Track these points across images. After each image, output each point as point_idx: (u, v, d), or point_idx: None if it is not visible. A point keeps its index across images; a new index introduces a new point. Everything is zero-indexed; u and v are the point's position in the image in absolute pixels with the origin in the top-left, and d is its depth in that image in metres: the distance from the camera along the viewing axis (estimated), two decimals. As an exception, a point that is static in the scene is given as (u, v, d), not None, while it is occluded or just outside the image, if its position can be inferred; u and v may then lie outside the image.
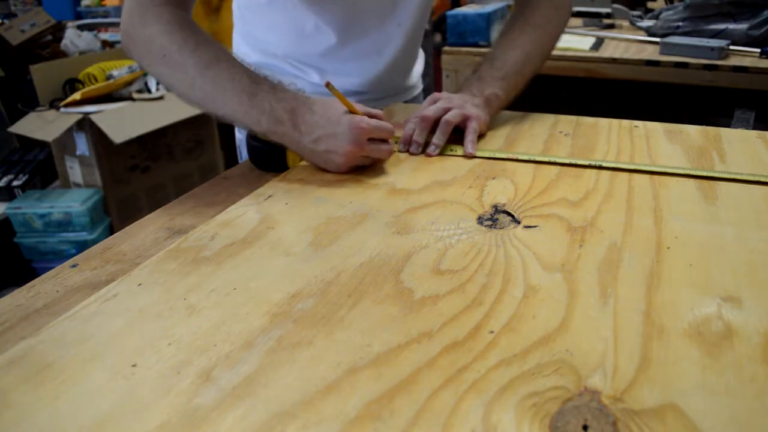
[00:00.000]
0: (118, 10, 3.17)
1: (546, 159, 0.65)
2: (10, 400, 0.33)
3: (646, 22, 1.53)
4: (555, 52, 1.34)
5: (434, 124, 0.70)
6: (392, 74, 0.92)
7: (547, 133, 0.75)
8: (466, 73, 1.42)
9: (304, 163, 0.67)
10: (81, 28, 2.82)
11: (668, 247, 0.47)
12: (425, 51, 1.04)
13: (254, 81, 0.63)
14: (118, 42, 2.82)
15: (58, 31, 2.56)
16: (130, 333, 0.38)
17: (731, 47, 1.29)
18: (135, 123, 1.84)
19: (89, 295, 0.42)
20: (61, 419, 0.31)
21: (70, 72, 1.99)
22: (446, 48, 1.46)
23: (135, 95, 1.94)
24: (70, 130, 1.81)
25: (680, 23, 1.39)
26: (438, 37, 2.51)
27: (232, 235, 0.50)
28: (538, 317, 0.38)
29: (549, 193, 0.57)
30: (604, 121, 0.79)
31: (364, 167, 0.65)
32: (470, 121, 0.70)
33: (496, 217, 0.53)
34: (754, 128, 0.86)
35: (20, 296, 0.44)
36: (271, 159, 0.66)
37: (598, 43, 1.42)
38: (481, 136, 0.72)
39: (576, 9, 1.72)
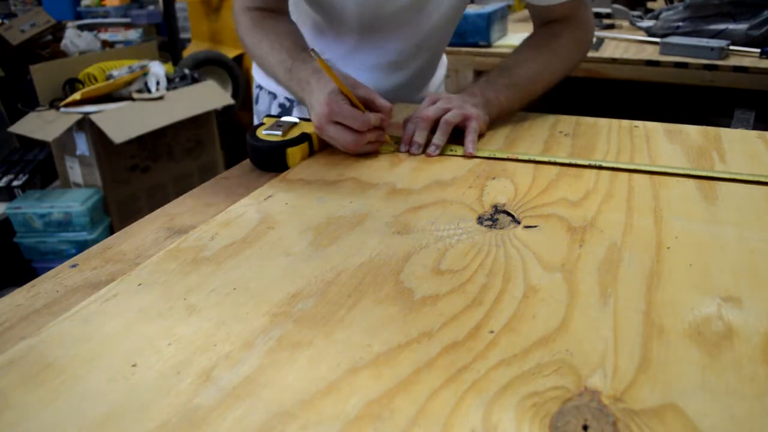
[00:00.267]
0: (118, 10, 3.17)
1: (546, 159, 0.65)
2: (10, 400, 0.33)
3: (646, 22, 1.53)
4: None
5: (434, 124, 0.70)
6: (409, 88, 0.92)
7: (547, 133, 0.75)
8: (466, 73, 1.43)
9: (304, 162, 0.67)
10: (81, 28, 2.83)
11: (668, 247, 0.47)
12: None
13: (290, 56, 0.73)
14: (118, 42, 2.83)
15: (58, 31, 2.57)
16: (130, 333, 0.38)
17: (731, 47, 1.29)
18: (135, 123, 1.84)
19: (89, 295, 0.42)
20: (61, 419, 0.31)
21: (70, 72, 1.99)
22: (446, 48, 1.46)
23: (135, 95, 1.94)
24: (70, 130, 1.81)
25: (680, 23, 1.39)
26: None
27: (232, 235, 0.50)
28: (538, 317, 0.38)
29: (549, 193, 0.57)
30: (604, 121, 0.79)
31: (365, 167, 0.65)
32: (470, 121, 0.70)
33: (496, 217, 0.53)
34: (754, 128, 0.86)
35: (20, 296, 0.44)
36: (271, 159, 0.66)
37: (598, 43, 1.42)
38: (480, 136, 0.72)
39: (576, 9, 1.72)
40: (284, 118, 0.72)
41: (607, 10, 1.75)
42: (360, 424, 0.30)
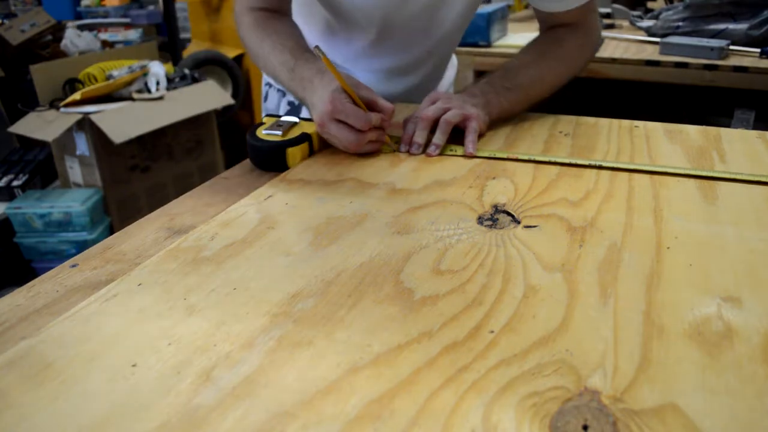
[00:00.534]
0: (118, 10, 3.17)
1: (546, 159, 0.65)
2: (10, 400, 0.33)
3: (646, 22, 1.53)
4: (555, 52, 1.34)
5: (434, 124, 0.70)
6: (417, 92, 0.93)
7: (547, 133, 0.75)
8: (466, 74, 1.43)
9: (304, 162, 0.67)
10: (81, 28, 2.83)
11: (668, 247, 0.47)
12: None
13: (293, 56, 0.74)
14: (118, 42, 2.83)
15: (58, 31, 2.57)
16: (130, 333, 0.38)
17: (731, 47, 1.29)
18: (135, 123, 1.84)
19: (89, 295, 0.42)
20: (61, 419, 0.31)
21: (70, 72, 1.99)
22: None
23: (135, 95, 1.94)
24: (70, 130, 1.81)
25: (680, 23, 1.39)
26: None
27: (232, 235, 0.50)
28: (538, 317, 0.38)
29: (549, 193, 0.57)
30: (604, 121, 0.79)
31: (365, 167, 0.65)
32: (470, 121, 0.70)
33: (496, 217, 0.53)
34: (754, 128, 0.86)
35: (20, 296, 0.44)
36: (271, 159, 0.66)
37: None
38: (480, 136, 0.72)
39: (576, 9, 1.72)
40: (284, 118, 0.72)
41: (607, 10, 1.75)
42: (360, 424, 0.30)
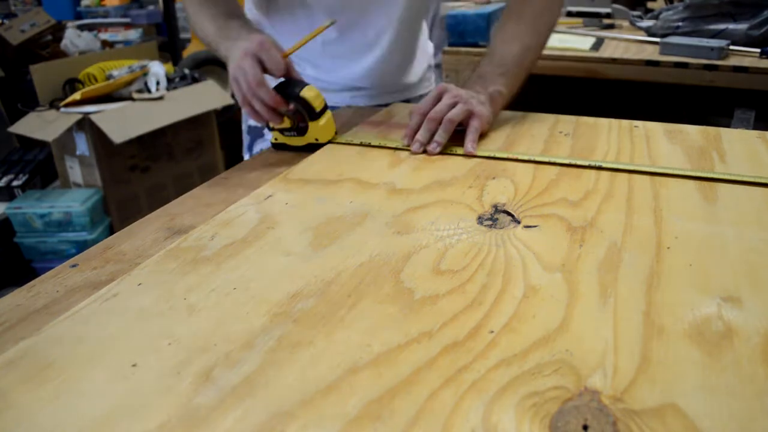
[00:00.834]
0: (118, 10, 3.17)
1: (546, 159, 0.65)
2: (10, 400, 0.33)
3: (646, 22, 1.53)
4: (555, 52, 1.34)
5: (439, 123, 0.70)
6: (386, 69, 0.92)
7: (547, 133, 0.75)
8: (466, 74, 1.43)
9: (304, 161, 0.67)
10: (81, 28, 2.83)
11: (668, 247, 0.47)
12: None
13: (226, 21, 0.76)
14: (118, 42, 2.83)
15: (58, 31, 2.57)
16: (130, 333, 0.38)
17: (731, 47, 1.29)
18: (135, 123, 1.84)
19: (89, 295, 0.42)
20: (61, 419, 0.31)
21: (70, 72, 1.99)
22: (446, 48, 1.46)
23: (135, 95, 1.94)
24: (70, 130, 1.81)
25: (680, 23, 1.39)
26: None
27: (232, 235, 0.50)
28: (538, 317, 0.38)
29: (549, 193, 0.57)
30: (604, 121, 0.79)
31: (365, 167, 0.65)
32: (473, 120, 0.70)
33: (496, 217, 0.53)
34: (754, 128, 0.86)
35: (20, 296, 0.44)
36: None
37: (598, 43, 1.42)
38: (482, 136, 0.72)
39: (576, 9, 1.72)
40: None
41: (607, 10, 1.74)
42: (360, 424, 0.30)
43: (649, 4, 1.92)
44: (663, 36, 1.37)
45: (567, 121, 0.80)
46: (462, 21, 1.44)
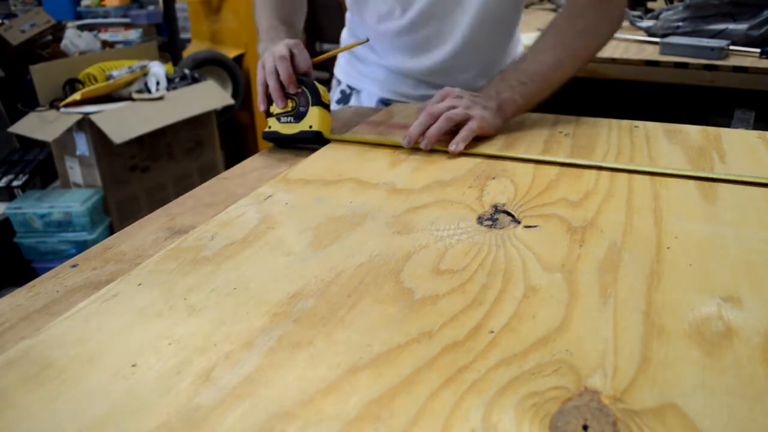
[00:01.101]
0: (118, 10, 3.17)
1: (546, 159, 0.65)
2: (10, 400, 0.33)
3: (646, 22, 1.53)
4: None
5: (436, 120, 0.70)
6: (456, 65, 0.92)
7: (547, 133, 0.75)
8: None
9: (304, 161, 0.67)
10: (81, 28, 2.83)
11: (668, 247, 0.47)
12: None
13: (278, 24, 0.84)
14: (118, 42, 2.83)
15: (58, 31, 2.57)
16: (130, 333, 0.38)
17: (731, 47, 1.29)
18: (135, 123, 1.84)
19: (89, 295, 0.42)
20: (61, 419, 0.31)
21: (70, 72, 1.99)
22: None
23: (135, 95, 1.94)
24: (70, 130, 1.81)
25: (680, 23, 1.39)
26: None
27: (232, 235, 0.50)
28: (538, 317, 0.38)
29: (549, 193, 0.57)
30: (604, 121, 0.79)
31: (365, 167, 0.65)
32: (471, 121, 0.70)
33: (496, 217, 0.53)
34: (754, 128, 0.86)
35: (20, 296, 0.44)
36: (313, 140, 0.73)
37: (598, 43, 1.42)
38: (483, 138, 0.72)
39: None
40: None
41: (607, 10, 1.74)
42: (360, 424, 0.30)
43: (649, 4, 1.92)
44: (663, 36, 1.37)
45: (567, 121, 0.80)
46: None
